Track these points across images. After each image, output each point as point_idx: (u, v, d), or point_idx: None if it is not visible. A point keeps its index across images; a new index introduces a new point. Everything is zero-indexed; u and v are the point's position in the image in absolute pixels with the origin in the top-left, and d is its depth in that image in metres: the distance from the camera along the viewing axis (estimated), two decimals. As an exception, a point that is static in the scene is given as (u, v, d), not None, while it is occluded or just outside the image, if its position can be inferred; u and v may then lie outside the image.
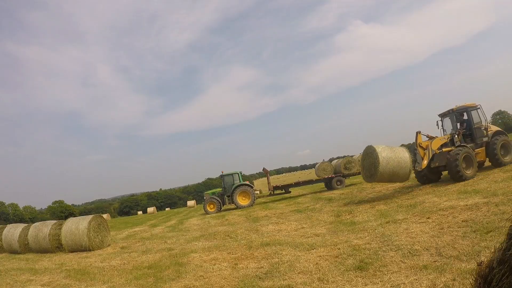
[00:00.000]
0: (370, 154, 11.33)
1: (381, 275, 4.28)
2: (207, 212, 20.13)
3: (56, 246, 11.49)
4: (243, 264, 6.08)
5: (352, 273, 4.57)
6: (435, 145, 11.72)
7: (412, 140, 12.86)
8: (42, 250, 11.69)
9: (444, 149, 11.71)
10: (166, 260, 7.47)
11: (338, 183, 21.07)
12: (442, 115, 13.33)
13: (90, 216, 11.56)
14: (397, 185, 14.61)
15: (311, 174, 40.41)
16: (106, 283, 6.29)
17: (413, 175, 12.55)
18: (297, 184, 21.91)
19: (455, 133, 12.17)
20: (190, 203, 47.58)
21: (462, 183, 10.72)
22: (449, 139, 12.13)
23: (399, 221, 7.22)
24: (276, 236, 8.21)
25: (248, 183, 20.98)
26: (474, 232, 5.20)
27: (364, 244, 5.92)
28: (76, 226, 11.11)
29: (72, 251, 11.00)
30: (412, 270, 4.25)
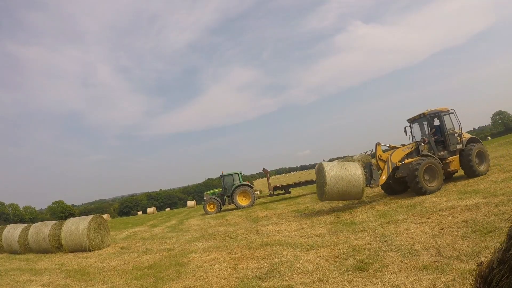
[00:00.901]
0: (320, 172, 10.67)
1: (381, 276, 4.28)
2: (207, 213, 20.12)
3: (56, 247, 11.48)
4: (243, 264, 6.08)
5: (352, 273, 4.57)
6: (396, 157, 10.88)
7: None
8: (42, 251, 11.69)
9: (406, 160, 10.83)
10: (166, 261, 7.47)
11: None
12: (411, 120, 12.25)
13: (90, 217, 11.56)
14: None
15: (311, 175, 40.39)
16: (106, 284, 6.29)
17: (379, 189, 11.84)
18: (297, 184, 21.91)
19: (421, 141, 11.29)
20: (190, 203, 47.58)
21: (462, 183, 10.72)
22: (414, 148, 11.23)
23: (399, 222, 7.22)
24: (276, 237, 8.21)
25: (248, 184, 20.98)
26: (474, 232, 5.20)
27: (364, 244, 5.92)
28: (76, 227, 11.10)
29: (72, 252, 10.99)
30: (412, 270, 4.25)
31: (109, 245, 11.83)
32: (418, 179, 9.92)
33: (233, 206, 20.49)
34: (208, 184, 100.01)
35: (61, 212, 75.20)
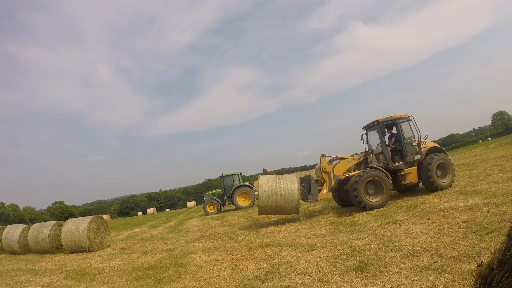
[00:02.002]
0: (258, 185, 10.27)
1: (381, 276, 4.28)
2: (207, 213, 20.13)
3: (56, 247, 11.48)
4: (243, 265, 6.08)
5: (352, 274, 4.57)
6: (340, 170, 10.33)
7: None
8: (42, 251, 11.69)
9: (352, 173, 10.28)
10: (166, 261, 7.47)
11: (338, 183, 21.04)
12: (367, 128, 11.42)
13: (90, 217, 11.56)
14: (397, 186, 14.61)
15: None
16: (106, 284, 6.28)
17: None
18: None
19: (369, 151, 10.61)
20: (190, 204, 47.61)
21: (462, 183, 10.71)
22: (362, 159, 10.58)
23: (399, 222, 7.22)
24: (276, 237, 8.20)
25: (248, 184, 20.99)
26: (474, 233, 5.20)
27: (364, 245, 5.92)
28: (76, 227, 11.10)
29: (72, 252, 10.99)
30: (412, 271, 4.25)
31: (109, 246, 11.82)
32: (357, 193, 9.36)
33: (233, 207, 20.49)
34: (208, 184, 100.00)
35: (61, 212, 75.25)
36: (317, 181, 10.55)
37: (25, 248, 12.29)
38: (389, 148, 10.76)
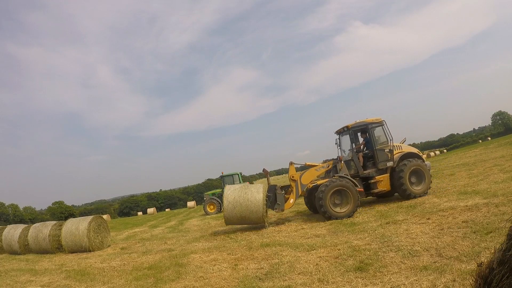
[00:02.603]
0: None
1: (381, 276, 4.28)
2: (207, 213, 20.12)
3: (56, 247, 11.48)
4: (243, 265, 6.08)
5: (352, 274, 4.57)
6: (307, 178, 10.09)
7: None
8: (42, 251, 11.69)
9: (319, 182, 9.90)
10: (166, 261, 7.47)
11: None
12: (339, 133, 11.12)
13: (90, 217, 11.56)
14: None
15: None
16: (106, 284, 6.28)
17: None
18: None
19: (337, 159, 10.29)
20: (190, 203, 47.56)
21: (462, 183, 10.71)
22: (331, 166, 10.26)
23: (399, 222, 7.22)
24: (276, 237, 8.21)
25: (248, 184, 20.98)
26: (474, 233, 5.20)
27: (364, 245, 5.92)
28: (76, 227, 11.10)
29: (72, 252, 10.99)
30: (412, 270, 4.25)
31: (109, 246, 11.82)
32: (322, 203, 9.13)
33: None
34: (208, 184, 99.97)
35: (61, 212, 75.15)
36: (286, 189, 10.35)
37: (25, 248, 12.29)
38: (360, 155, 10.45)
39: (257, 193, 9.76)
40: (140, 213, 59.47)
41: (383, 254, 5.17)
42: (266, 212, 10.21)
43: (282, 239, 7.83)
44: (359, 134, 10.97)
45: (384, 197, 11.25)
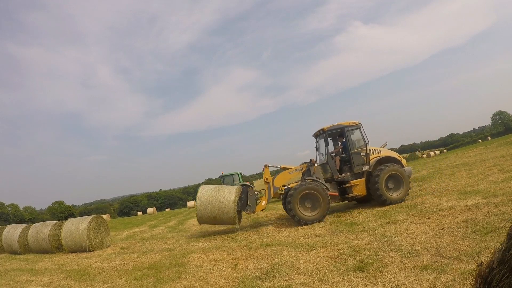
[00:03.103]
0: None
1: (381, 276, 4.28)
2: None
3: (56, 247, 11.48)
4: (243, 264, 6.08)
5: (352, 273, 4.57)
6: (280, 181, 10.07)
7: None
8: (42, 251, 11.68)
9: (291, 185, 9.80)
10: (166, 261, 7.47)
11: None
12: (317, 136, 10.91)
13: (90, 217, 11.55)
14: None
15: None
16: (106, 284, 6.28)
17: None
18: None
19: (310, 162, 10.10)
20: (190, 203, 47.54)
21: (462, 183, 10.71)
22: (304, 169, 10.10)
23: (399, 222, 7.22)
24: (276, 237, 8.21)
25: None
26: (474, 232, 5.20)
27: (364, 244, 5.92)
28: (76, 227, 11.10)
29: (72, 252, 10.99)
30: (412, 270, 4.25)
31: (109, 246, 11.82)
32: (291, 206, 9.08)
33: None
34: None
35: (61, 212, 75.10)
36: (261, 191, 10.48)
37: (25, 248, 12.28)
38: (337, 158, 10.32)
39: (229, 194, 9.86)
40: (140, 213, 59.47)
41: (383, 254, 5.17)
42: (240, 213, 10.22)
43: (282, 239, 7.83)
44: (338, 137, 10.81)
45: (363, 202, 11.02)
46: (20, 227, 13.14)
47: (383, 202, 9.58)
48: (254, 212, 10.12)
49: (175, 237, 11.86)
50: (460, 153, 34.55)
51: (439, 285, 3.60)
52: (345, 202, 11.49)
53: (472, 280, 1.98)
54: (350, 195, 9.95)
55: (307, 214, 9.16)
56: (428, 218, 6.91)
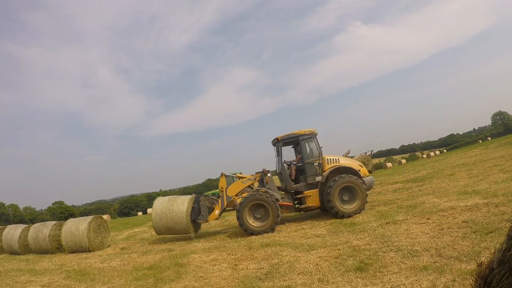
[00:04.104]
0: None
1: (381, 276, 4.28)
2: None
3: (56, 247, 11.48)
4: (243, 265, 6.08)
5: (352, 274, 4.57)
6: (233, 190, 10.05)
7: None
8: (42, 251, 11.68)
9: (244, 194, 9.70)
10: (166, 261, 7.47)
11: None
12: (274, 145, 10.56)
13: (90, 217, 11.56)
14: (397, 185, 14.62)
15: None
16: (106, 284, 6.29)
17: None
18: None
19: (263, 172, 9.99)
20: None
21: (462, 183, 10.71)
22: (258, 179, 10.03)
23: (399, 222, 7.22)
24: (276, 237, 8.21)
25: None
26: (474, 233, 5.20)
27: (364, 245, 5.92)
28: (76, 227, 11.10)
29: (72, 252, 10.99)
30: (412, 270, 4.25)
31: (109, 246, 11.82)
32: (240, 216, 9.04)
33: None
34: (208, 184, 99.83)
35: (61, 212, 75.03)
36: (214, 200, 10.44)
37: (25, 248, 12.29)
38: (293, 167, 10.19)
39: (181, 204, 10.10)
40: (140, 213, 59.41)
41: (383, 254, 5.17)
42: (195, 222, 10.32)
43: (282, 239, 7.83)
44: (296, 146, 10.55)
45: (326, 212, 10.41)
46: (20, 227, 13.14)
47: (335, 214, 9.22)
48: (207, 221, 10.24)
49: (175, 237, 11.86)
50: (460, 153, 34.55)
51: (439, 285, 3.60)
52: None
53: (472, 280, 1.98)
54: (303, 206, 9.77)
55: (256, 224, 9.11)
56: (428, 218, 6.91)
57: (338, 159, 9.91)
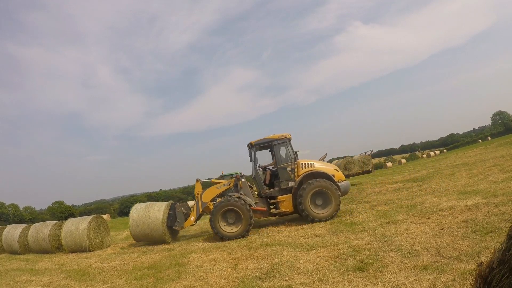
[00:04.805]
0: None
1: (381, 276, 4.28)
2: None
3: (56, 247, 11.48)
4: (243, 264, 6.08)
5: (352, 273, 4.57)
6: (208, 196, 10.06)
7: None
8: (42, 251, 11.68)
9: (218, 200, 9.80)
10: (166, 261, 7.47)
11: (338, 183, 21.04)
12: (249, 149, 10.47)
13: (90, 217, 11.56)
14: (397, 185, 14.61)
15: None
16: (106, 284, 6.29)
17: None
18: None
19: (236, 178, 10.05)
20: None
21: (462, 183, 10.71)
22: (232, 184, 10.06)
23: (399, 222, 7.22)
24: (276, 237, 8.21)
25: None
26: (474, 232, 5.20)
27: (364, 244, 5.92)
28: (76, 227, 11.10)
29: (72, 252, 10.99)
30: (412, 270, 4.25)
31: (109, 245, 11.82)
32: (212, 222, 9.09)
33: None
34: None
35: (61, 212, 74.98)
36: (189, 207, 10.51)
37: (25, 248, 12.29)
38: (268, 172, 10.23)
39: (158, 211, 10.22)
40: (140, 213, 59.35)
41: (383, 253, 5.17)
42: (172, 229, 10.38)
43: (282, 238, 7.83)
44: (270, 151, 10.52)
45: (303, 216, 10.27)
46: (20, 227, 13.14)
47: (306, 218, 9.25)
48: (182, 227, 10.32)
49: (175, 237, 11.85)
50: (460, 153, 34.55)
51: (439, 285, 3.60)
52: (348, 203, 11.41)
53: (472, 280, 1.98)
54: (277, 211, 9.78)
55: (229, 230, 9.13)
56: (428, 218, 6.91)
57: (313, 163, 9.87)
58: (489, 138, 72.36)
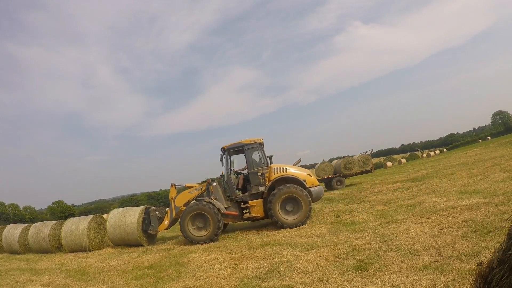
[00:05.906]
0: None
1: (381, 275, 4.28)
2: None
3: (56, 247, 11.49)
4: (243, 264, 6.08)
5: (352, 273, 4.57)
6: (181, 200, 10.09)
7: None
8: (42, 251, 11.69)
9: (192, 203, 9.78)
10: (166, 260, 7.47)
11: (338, 183, 21.10)
12: (222, 153, 10.45)
13: (90, 216, 11.56)
14: (397, 185, 14.62)
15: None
16: (106, 283, 6.29)
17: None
18: None
19: (208, 183, 9.97)
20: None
21: (462, 183, 10.71)
22: (204, 189, 10.04)
23: (399, 221, 7.22)
24: (276, 236, 8.21)
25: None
26: (474, 232, 5.20)
27: (364, 244, 5.92)
28: (76, 226, 11.10)
29: (72, 251, 10.99)
30: (412, 270, 4.25)
31: (109, 245, 11.82)
32: (182, 223, 9.17)
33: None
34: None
35: (61, 212, 75.09)
36: (163, 211, 10.64)
37: (25, 248, 12.29)
38: (241, 177, 10.24)
39: (133, 216, 10.50)
40: (140, 213, 59.38)
41: (383, 253, 5.17)
42: (147, 233, 10.51)
43: (282, 238, 7.83)
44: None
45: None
46: (20, 227, 13.15)
47: (276, 224, 9.22)
48: (157, 231, 10.47)
49: (175, 237, 11.86)
50: (460, 152, 34.56)
51: (439, 285, 3.60)
52: (348, 202, 11.46)
53: (472, 279, 1.98)
54: (247, 216, 9.77)
55: (197, 234, 9.17)
56: (428, 218, 6.91)
57: (286, 168, 9.78)
58: (489, 137, 72.36)
